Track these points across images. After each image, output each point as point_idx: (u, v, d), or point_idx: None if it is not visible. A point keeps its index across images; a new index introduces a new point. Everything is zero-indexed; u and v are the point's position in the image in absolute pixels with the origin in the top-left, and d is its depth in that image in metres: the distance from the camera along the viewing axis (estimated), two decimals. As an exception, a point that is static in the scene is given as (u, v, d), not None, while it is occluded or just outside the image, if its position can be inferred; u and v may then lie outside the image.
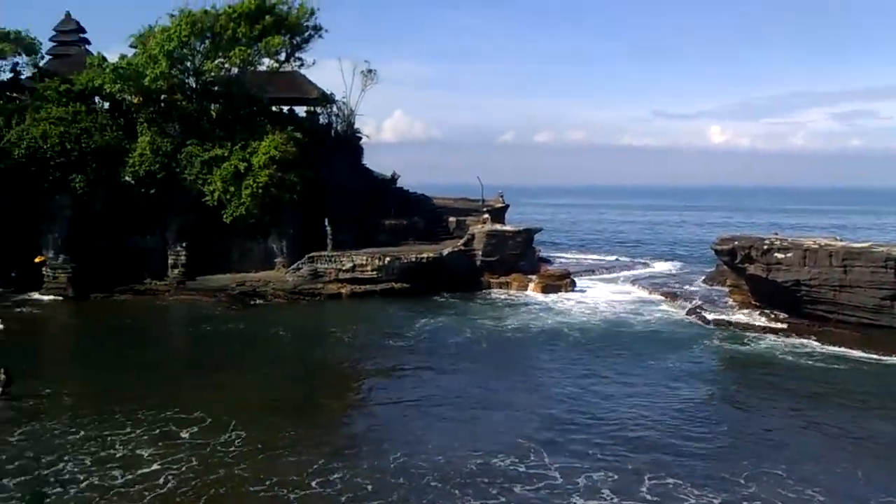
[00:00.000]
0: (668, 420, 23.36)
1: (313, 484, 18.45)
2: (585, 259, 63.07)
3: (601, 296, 45.59)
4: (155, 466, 19.31)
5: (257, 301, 43.57)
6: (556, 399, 25.52)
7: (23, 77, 48.23)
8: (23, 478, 18.61)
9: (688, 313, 39.77)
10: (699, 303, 41.52)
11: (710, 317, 38.36)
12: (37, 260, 45.49)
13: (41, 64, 48.95)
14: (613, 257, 64.65)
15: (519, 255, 48.66)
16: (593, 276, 53.06)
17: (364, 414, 24.97)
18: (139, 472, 18.99)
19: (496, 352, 32.59)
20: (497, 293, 46.05)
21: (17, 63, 47.70)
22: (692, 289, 47.04)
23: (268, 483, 18.45)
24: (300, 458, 20.06)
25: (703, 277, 50.49)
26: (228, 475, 18.92)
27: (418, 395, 26.07)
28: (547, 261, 56.06)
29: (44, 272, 45.35)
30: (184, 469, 19.19)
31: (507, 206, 57.35)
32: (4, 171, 42.97)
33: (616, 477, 18.90)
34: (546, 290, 45.93)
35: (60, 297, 44.27)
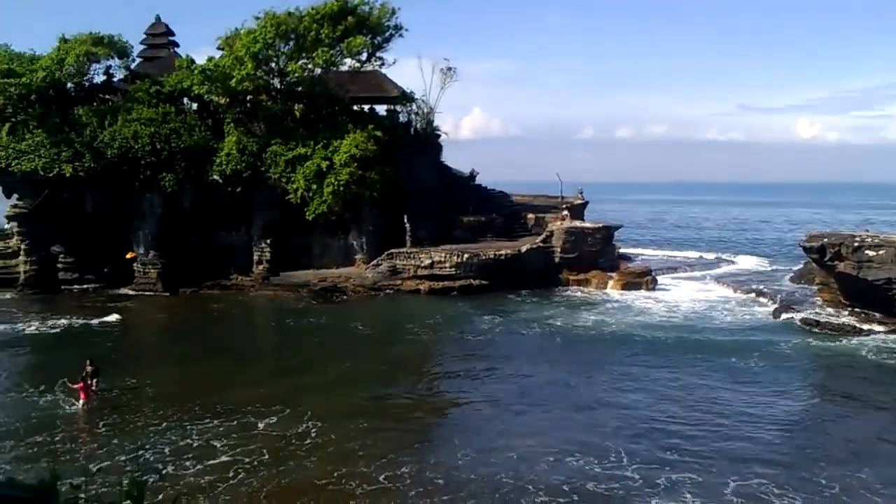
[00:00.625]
0: (751, 421, 22.76)
1: (381, 478, 18.58)
2: (667, 256, 62.02)
3: (683, 294, 44.81)
4: (226, 458, 19.81)
5: (339, 297, 44.33)
6: (635, 399, 25.16)
7: (115, 79, 49.87)
8: (107, 463, 19.45)
9: (774, 313, 38.70)
10: (786, 302, 40.35)
11: (797, 316, 37.26)
12: (128, 256, 47.38)
13: (132, 66, 50.54)
14: (696, 254, 63.28)
15: (598, 252, 48.16)
16: (675, 274, 52.17)
17: (437, 410, 25.14)
18: (210, 462, 19.54)
19: (572, 351, 32.26)
20: (575, 291, 45.67)
21: (109, 66, 49.25)
22: (779, 287, 45.78)
23: (336, 475, 18.69)
24: (371, 452, 20.30)
25: (790, 275, 49.15)
26: (297, 467, 19.30)
27: (492, 393, 26.11)
28: (627, 258, 55.37)
29: (135, 268, 47.19)
30: (254, 460, 19.65)
31: (587, 202, 56.78)
32: (98, 170, 44.74)
33: (698, 479, 18.44)
34: (626, 287, 45.38)
35: (150, 292, 45.99)
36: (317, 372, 29.15)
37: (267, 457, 19.92)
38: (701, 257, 61.67)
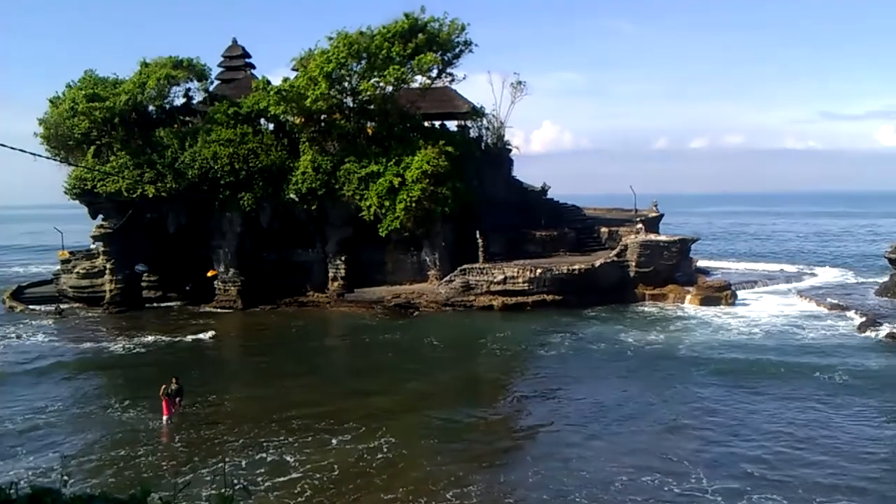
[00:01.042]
0: (836, 442, 21.91)
1: (448, 495, 18.59)
2: (747, 269, 60.47)
3: (764, 308, 43.56)
4: (295, 474, 20.09)
5: (412, 313, 44.52)
6: (713, 420, 24.33)
7: (194, 102, 51.27)
8: (190, 476, 19.92)
9: (859, 328, 37.27)
10: (872, 316, 38.79)
11: (884, 331, 35.80)
12: (209, 274, 48.62)
13: (211, 89, 51.86)
14: (777, 267, 61.55)
15: (674, 265, 47.22)
16: (755, 288, 50.83)
17: (509, 428, 24.94)
18: (281, 478, 19.83)
19: (647, 369, 31.40)
20: (651, 306, 44.85)
21: (189, 88, 50.59)
22: (864, 301, 44.13)
23: (401, 491, 18.76)
24: (440, 468, 20.36)
25: (876, 289, 47.30)
26: (364, 483, 19.43)
27: (565, 411, 25.84)
28: (705, 272, 54.13)
29: (215, 285, 48.38)
30: (323, 476, 19.88)
31: (662, 215, 55.92)
32: (180, 190, 46.04)
33: (782, 501, 17.88)
34: (704, 302, 44.35)
35: (230, 309, 47.07)
36: (391, 389, 29.27)
37: (336, 472, 20.15)
38: (782, 270, 59.94)
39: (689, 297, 45.20)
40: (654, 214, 54.68)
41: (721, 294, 45.28)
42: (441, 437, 23.00)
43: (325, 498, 18.62)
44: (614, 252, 47.09)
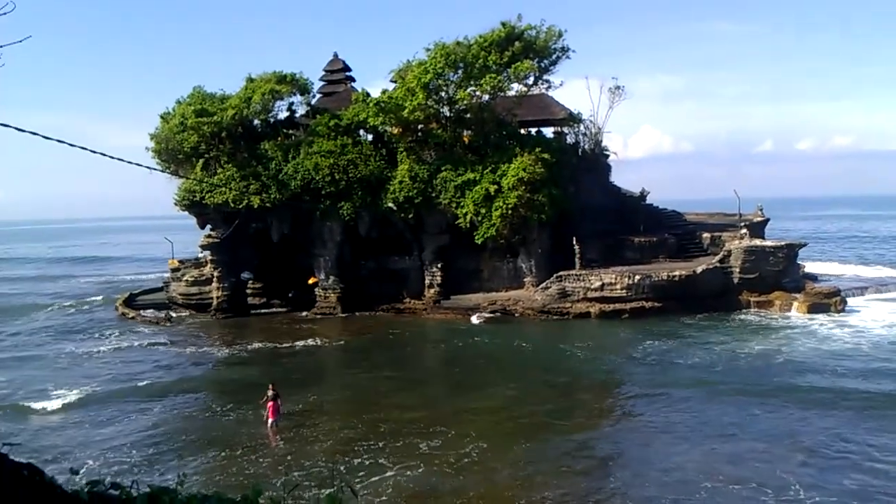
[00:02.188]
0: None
1: (534, 499, 18.68)
2: (857, 275, 57.87)
3: (877, 316, 41.68)
4: (389, 474, 20.61)
5: (508, 320, 44.55)
6: (814, 435, 23.12)
7: (297, 115, 52.81)
8: (296, 474, 20.60)
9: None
10: None
11: None
12: (310, 281, 49.95)
13: (313, 102, 53.34)
14: (890, 273, 58.66)
15: (780, 271, 45.67)
16: (866, 295, 48.62)
17: (596, 434, 24.63)
18: (374, 477, 20.41)
19: (749, 378, 30.26)
20: (754, 314, 43.47)
21: (292, 102, 52.18)
22: None
23: (471, 495, 19.04)
24: (521, 473, 20.50)
25: None
26: (451, 488, 19.70)
27: (656, 419, 25.42)
28: (813, 277, 52.09)
29: (316, 292, 49.65)
30: (408, 481, 20.24)
31: (767, 219, 54.22)
32: (283, 201, 47.49)
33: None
34: (812, 309, 42.73)
35: (330, 316, 48.21)
36: (483, 394, 29.45)
37: (420, 473, 20.62)
38: (894, 276, 57.06)
39: (796, 304, 43.62)
40: (759, 219, 53.05)
41: (830, 301, 43.56)
42: (529, 443, 23.07)
43: (402, 501, 19.02)
44: (717, 258, 45.92)
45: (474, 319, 45.00)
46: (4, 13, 2.31)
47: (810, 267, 54.93)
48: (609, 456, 22.27)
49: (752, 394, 27.83)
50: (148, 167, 14.10)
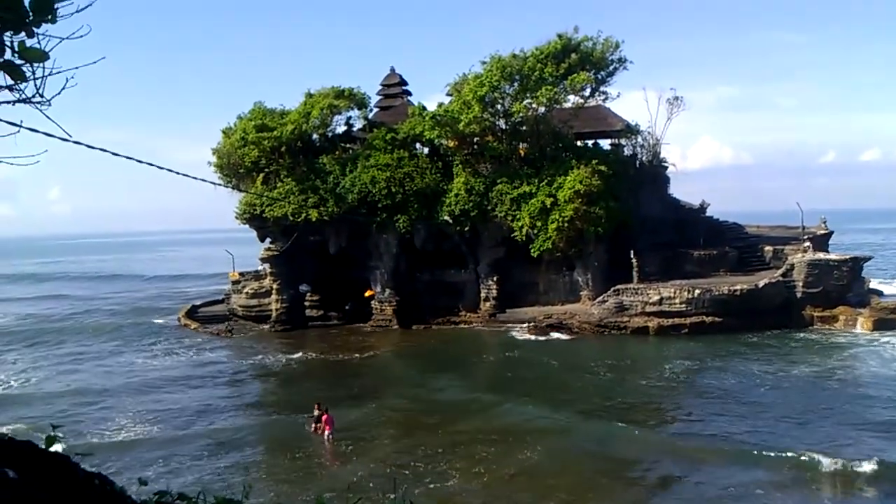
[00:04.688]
0: None
1: None
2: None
3: (948, 332, 40.05)
4: (452, 482, 20.81)
5: (565, 333, 44.16)
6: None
7: (354, 129, 53.46)
8: (354, 479, 20.86)
9: None
10: None
11: None
12: (367, 294, 50.34)
13: (370, 116, 53.93)
14: (964, 288, 56.50)
15: (845, 286, 44.36)
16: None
17: (658, 449, 24.15)
18: (436, 483, 20.76)
19: (812, 398, 29.24)
20: (818, 330, 42.12)
21: (349, 117, 52.98)
22: None
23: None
24: (585, 487, 20.72)
25: None
26: (496, 493, 20.01)
27: (719, 440, 24.77)
28: (878, 293, 50.51)
29: (372, 305, 50.00)
30: (475, 489, 20.50)
31: (831, 232, 52.77)
32: (341, 214, 48.00)
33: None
34: (878, 325, 41.36)
35: (386, 328, 48.50)
36: (538, 408, 29.18)
37: (488, 486, 20.65)
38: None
39: (861, 319, 42.29)
40: (822, 232, 51.66)
41: (897, 316, 42.13)
42: (587, 455, 23.07)
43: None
44: (779, 272, 44.80)
45: (523, 333, 44.69)
46: (81, 36, 2.36)
47: (876, 283, 53.29)
48: (661, 469, 22.14)
49: (824, 414, 26.98)
50: (211, 182, 14.48)
